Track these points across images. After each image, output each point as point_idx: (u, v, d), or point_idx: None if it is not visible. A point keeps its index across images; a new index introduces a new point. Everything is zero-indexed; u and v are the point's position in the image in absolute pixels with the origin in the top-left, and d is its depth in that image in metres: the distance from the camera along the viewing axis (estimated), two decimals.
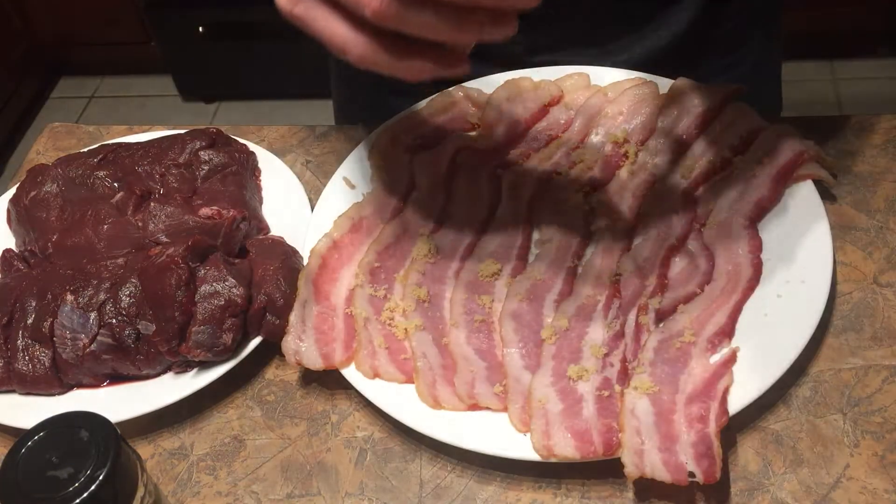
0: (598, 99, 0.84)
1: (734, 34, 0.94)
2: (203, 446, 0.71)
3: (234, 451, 0.70)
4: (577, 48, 0.90)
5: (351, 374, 0.70)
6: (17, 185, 0.86)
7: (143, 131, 0.95)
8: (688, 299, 0.70)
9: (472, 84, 0.87)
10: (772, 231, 0.74)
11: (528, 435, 0.64)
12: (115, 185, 0.84)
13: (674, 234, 0.74)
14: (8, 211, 0.86)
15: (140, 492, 0.58)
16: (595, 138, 0.82)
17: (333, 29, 0.57)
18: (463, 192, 0.81)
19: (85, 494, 0.53)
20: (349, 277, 0.75)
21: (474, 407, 0.67)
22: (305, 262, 0.75)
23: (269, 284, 0.73)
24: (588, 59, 0.89)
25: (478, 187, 0.81)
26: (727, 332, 0.68)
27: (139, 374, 0.73)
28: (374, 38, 0.57)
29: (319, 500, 0.67)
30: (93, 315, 0.72)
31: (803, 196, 0.74)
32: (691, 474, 0.59)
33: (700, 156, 0.79)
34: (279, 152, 0.90)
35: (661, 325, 0.69)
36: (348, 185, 0.83)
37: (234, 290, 0.71)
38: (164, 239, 0.77)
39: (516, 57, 0.90)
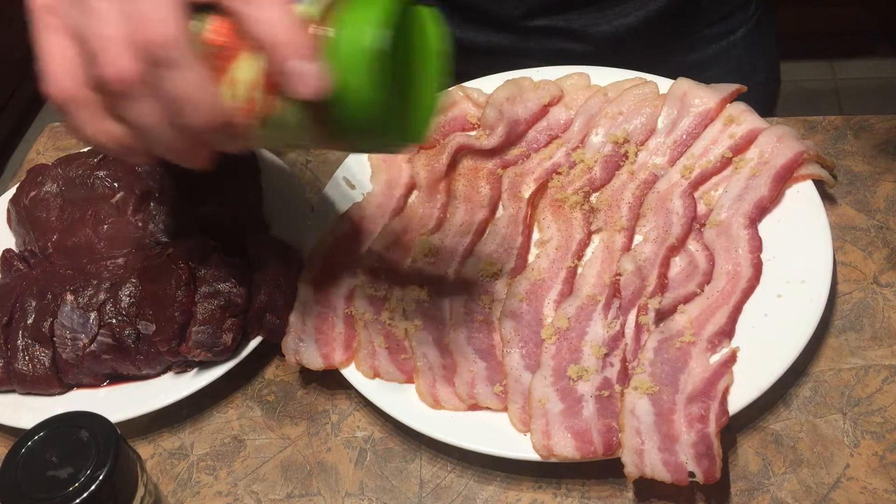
0: (598, 99, 0.84)
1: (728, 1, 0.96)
2: (203, 446, 0.71)
3: (234, 451, 0.70)
4: (574, 12, 0.91)
5: (351, 374, 0.70)
6: (17, 185, 0.86)
7: None
8: (688, 299, 0.70)
9: (472, 84, 0.87)
10: (772, 231, 0.74)
11: (528, 435, 0.64)
12: (115, 185, 0.84)
13: (674, 234, 0.74)
14: (8, 211, 0.86)
15: (140, 492, 0.58)
16: (595, 138, 0.82)
17: (54, 54, 0.50)
18: (463, 192, 0.81)
19: (85, 494, 0.53)
20: (349, 277, 0.75)
21: (474, 407, 0.67)
22: (305, 261, 0.75)
23: (269, 284, 0.73)
24: (584, 24, 0.90)
25: (478, 187, 0.81)
26: (727, 332, 0.68)
27: (139, 374, 0.73)
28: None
29: (319, 500, 0.67)
30: (93, 315, 0.72)
31: (803, 196, 0.74)
32: (691, 474, 0.59)
33: (700, 156, 0.79)
34: (279, 152, 0.90)
35: (661, 325, 0.69)
36: (348, 185, 0.83)
37: (234, 290, 0.71)
38: (164, 239, 0.77)
39: (513, 21, 0.91)
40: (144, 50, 0.47)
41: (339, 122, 0.51)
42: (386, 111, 0.50)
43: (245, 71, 0.50)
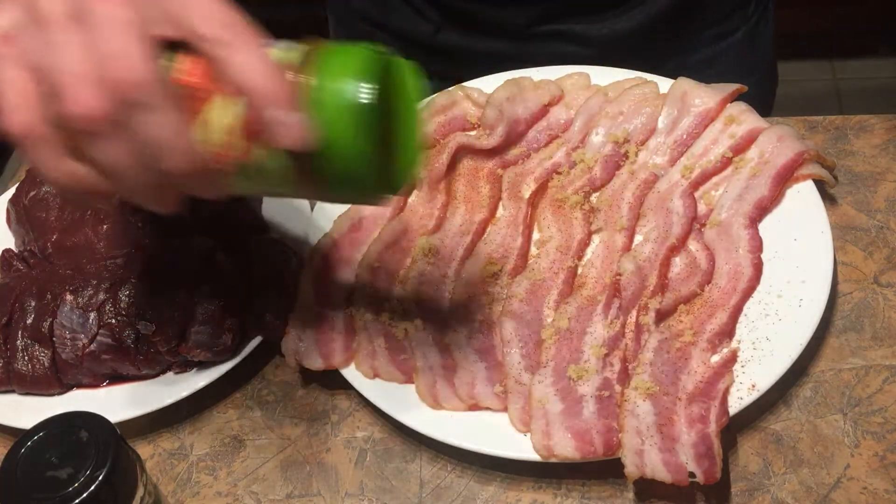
0: (598, 99, 0.84)
1: (728, 1, 0.96)
2: (203, 446, 0.71)
3: (234, 451, 0.70)
4: (577, 17, 0.91)
5: (351, 374, 0.70)
6: (17, 185, 0.86)
7: None
8: (688, 299, 0.70)
9: (472, 84, 0.87)
10: (772, 231, 0.73)
11: (529, 435, 0.64)
12: None
13: (674, 234, 0.74)
14: (7, 211, 0.86)
15: (140, 492, 0.58)
16: (595, 138, 0.82)
17: (12, 87, 0.47)
18: (463, 192, 0.81)
19: (85, 494, 0.53)
20: (349, 277, 0.75)
21: (474, 407, 0.67)
22: (305, 261, 0.75)
23: (269, 284, 0.73)
24: (586, 27, 0.91)
25: (478, 187, 0.81)
26: (727, 332, 0.68)
27: (139, 374, 0.73)
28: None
29: (319, 500, 0.67)
30: (92, 315, 0.72)
31: (803, 196, 0.74)
32: (691, 474, 0.59)
33: (700, 156, 0.79)
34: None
35: (661, 325, 0.69)
36: None
37: (234, 291, 0.71)
38: (164, 239, 0.77)
39: (515, 28, 0.91)
40: (114, 89, 0.45)
41: (320, 174, 0.49)
42: (371, 164, 0.49)
43: (220, 115, 0.48)
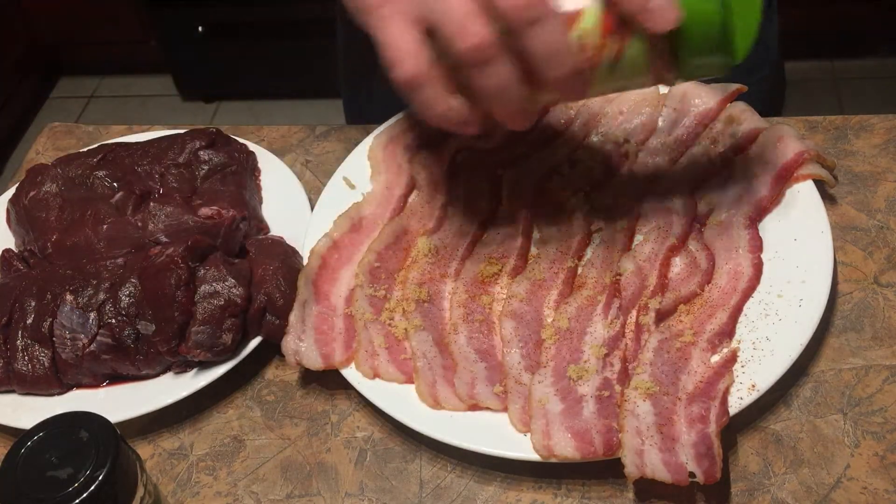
0: (599, 98, 0.83)
1: None
2: (203, 446, 0.71)
3: (234, 452, 0.70)
4: None
5: (351, 374, 0.70)
6: (17, 185, 0.86)
7: (143, 131, 0.95)
8: (688, 299, 0.70)
9: None
10: (772, 231, 0.73)
11: (528, 435, 0.64)
12: (115, 185, 0.84)
13: (674, 234, 0.74)
14: (7, 211, 0.86)
15: (140, 492, 0.58)
16: (595, 138, 0.82)
17: (399, 41, 0.55)
18: (463, 192, 0.81)
19: (85, 494, 0.53)
20: (349, 277, 0.75)
21: (474, 407, 0.67)
22: (305, 262, 0.75)
23: (269, 284, 0.73)
24: None
25: (478, 187, 0.81)
26: (727, 332, 0.68)
27: (139, 374, 0.73)
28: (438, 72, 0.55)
29: (319, 500, 0.67)
30: (92, 315, 0.72)
31: (803, 196, 0.74)
32: (692, 474, 0.59)
33: (700, 156, 0.79)
34: (279, 152, 0.90)
35: (661, 325, 0.69)
36: (348, 185, 0.83)
37: (234, 290, 0.71)
38: (163, 239, 0.77)
39: None
40: (500, 16, 0.51)
41: (683, 49, 0.57)
42: (727, 30, 0.56)
43: (592, 17, 0.56)
